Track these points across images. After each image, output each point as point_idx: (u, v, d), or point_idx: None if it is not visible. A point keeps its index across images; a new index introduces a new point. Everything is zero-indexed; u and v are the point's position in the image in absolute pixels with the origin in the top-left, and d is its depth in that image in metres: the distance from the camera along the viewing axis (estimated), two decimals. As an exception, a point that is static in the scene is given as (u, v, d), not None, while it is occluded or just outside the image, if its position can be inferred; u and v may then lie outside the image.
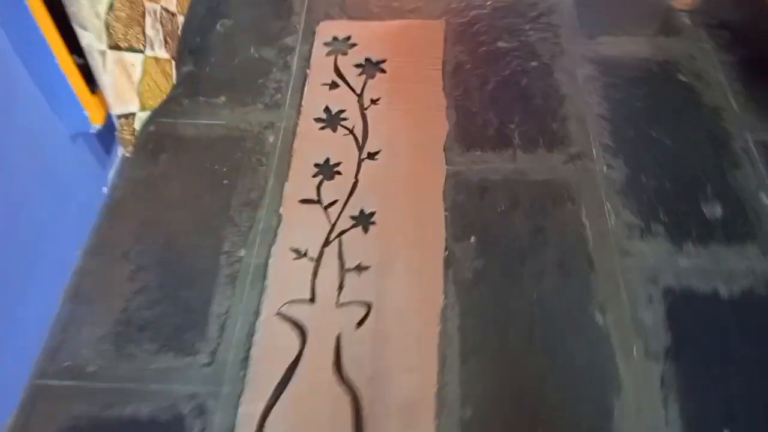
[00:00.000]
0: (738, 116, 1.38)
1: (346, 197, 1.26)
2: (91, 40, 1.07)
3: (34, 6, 0.98)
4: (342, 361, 1.04)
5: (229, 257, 1.18)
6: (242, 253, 1.19)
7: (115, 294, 1.14)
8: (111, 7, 1.13)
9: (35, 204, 1.06)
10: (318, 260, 1.16)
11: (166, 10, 1.41)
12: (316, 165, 1.32)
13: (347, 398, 1.00)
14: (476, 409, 1.00)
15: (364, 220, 1.22)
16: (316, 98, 1.46)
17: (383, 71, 1.50)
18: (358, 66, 1.52)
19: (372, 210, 1.23)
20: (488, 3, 1.66)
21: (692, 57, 1.50)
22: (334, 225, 1.21)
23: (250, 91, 1.49)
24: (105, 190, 1.28)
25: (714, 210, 1.21)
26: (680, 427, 0.97)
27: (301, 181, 1.29)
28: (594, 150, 1.32)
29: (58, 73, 1.06)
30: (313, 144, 1.36)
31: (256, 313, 1.10)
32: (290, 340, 1.06)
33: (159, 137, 1.39)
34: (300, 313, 1.10)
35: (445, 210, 1.23)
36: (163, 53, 1.35)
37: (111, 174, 1.31)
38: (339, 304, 1.10)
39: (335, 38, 1.59)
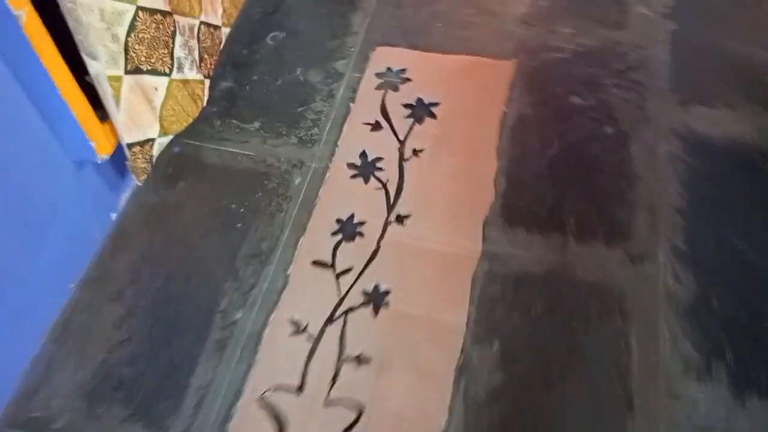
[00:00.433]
0: None
1: (362, 266, 1.12)
2: (100, 68, 0.97)
3: (34, 34, 0.88)
4: (319, 471, 0.92)
5: (224, 318, 1.08)
6: (239, 315, 1.08)
7: (99, 340, 1.06)
8: (132, 29, 1.03)
9: (31, 235, 0.99)
10: (317, 340, 1.04)
11: (208, 25, 1.29)
12: (338, 221, 1.18)
13: None
14: None
15: (376, 299, 1.08)
16: (355, 139, 1.31)
17: (433, 116, 1.34)
18: (407, 106, 1.36)
19: (387, 288, 1.09)
20: (570, 46, 1.45)
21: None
22: (343, 299, 1.08)
23: (287, 120, 1.36)
24: (114, 216, 1.20)
25: (797, 357, 1.00)
26: None
27: (318, 238, 1.17)
28: (661, 253, 1.11)
29: (60, 103, 0.97)
30: (340, 195, 1.22)
31: (238, 393, 0.99)
32: (267, 434, 0.95)
33: (181, 161, 1.30)
34: (284, 402, 0.98)
35: (471, 302, 1.07)
36: (194, 74, 1.24)
37: (123, 198, 1.23)
38: (328, 401, 0.97)
39: (389, 69, 1.43)
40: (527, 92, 1.38)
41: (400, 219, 1.18)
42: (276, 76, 1.45)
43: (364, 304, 1.07)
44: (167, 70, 1.15)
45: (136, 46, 1.05)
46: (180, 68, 1.18)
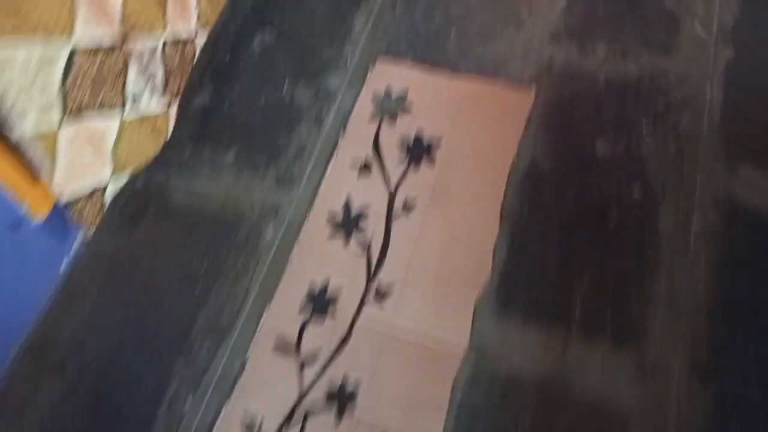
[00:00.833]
0: None
1: (330, 355, 0.99)
2: (27, 128, 0.82)
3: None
4: None
5: (170, 409, 0.97)
6: (187, 406, 0.97)
7: (36, 420, 0.97)
8: (68, 74, 0.86)
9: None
10: (271, 444, 0.93)
11: (175, 42, 1.10)
12: (309, 293, 1.04)
13: None
14: None
15: (341, 401, 0.95)
16: (340, 183, 1.14)
17: (432, 161, 1.15)
18: (404, 145, 1.17)
19: (354, 387, 0.96)
20: (604, 72, 1.22)
21: None
22: (304, 395, 0.96)
23: (267, 151, 1.19)
24: (63, 268, 1.08)
25: None
26: None
27: (284, 314, 1.03)
28: (679, 362, 0.95)
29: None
30: (314, 259, 1.08)
31: (180, 503, 0.90)
32: None
33: (144, 199, 1.15)
34: None
35: (449, 411, 0.94)
36: (154, 106, 1.07)
37: (75, 246, 1.10)
38: None
39: (388, 91, 1.23)
40: (545, 131, 1.17)
41: (379, 296, 1.03)
42: (260, 91, 1.26)
43: (326, 407, 0.95)
44: (118, 110, 0.98)
45: (75, 91, 0.88)
46: (135, 103, 1.02)
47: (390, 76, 1.25)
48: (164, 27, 1.03)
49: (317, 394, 0.96)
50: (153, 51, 1.01)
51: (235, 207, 1.14)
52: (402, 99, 1.22)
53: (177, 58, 1.10)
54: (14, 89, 0.79)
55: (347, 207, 1.12)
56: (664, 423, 0.91)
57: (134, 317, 1.05)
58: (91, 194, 0.98)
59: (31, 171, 0.90)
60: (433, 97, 1.22)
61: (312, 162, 1.18)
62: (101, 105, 0.92)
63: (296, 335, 1.01)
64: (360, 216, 1.11)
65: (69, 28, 0.81)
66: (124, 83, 0.96)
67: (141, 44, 0.97)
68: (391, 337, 0.99)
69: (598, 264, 1.03)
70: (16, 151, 0.86)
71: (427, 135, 1.18)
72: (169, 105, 1.10)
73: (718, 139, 1.12)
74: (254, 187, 1.16)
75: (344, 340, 1.00)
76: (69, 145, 0.89)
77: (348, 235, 1.09)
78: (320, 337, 1.00)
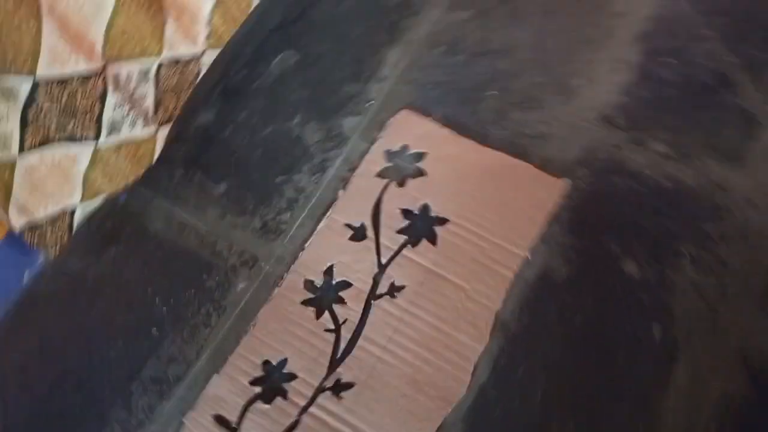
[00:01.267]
0: None
1: (270, 443, 0.90)
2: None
3: None
4: None
5: (96, 462, 0.91)
6: (112, 464, 0.90)
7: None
8: (30, 106, 0.77)
9: None
10: None
11: (175, 62, 1.01)
12: (265, 364, 0.95)
13: None
14: None
15: (267, 502, 0.86)
16: (328, 245, 1.04)
17: (434, 242, 1.03)
18: (406, 215, 1.05)
19: (287, 489, 0.87)
20: (655, 176, 1.06)
21: None
22: (231, 484, 0.88)
23: (260, 191, 1.10)
24: (21, 286, 1.02)
25: None
26: None
27: (233, 382, 0.94)
28: None
29: None
30: (280, 326, 0.98)
31: None
32: None
33: (121, 219, 1.08)
34: None
35: None
36: (139, 131, 0.98)
37: (37, 265, 1.04)
38: None
39: (403, 150, 1.10)
40: (569, 234, 1.02)
41: (337, 387, 0.93)
42: (268, 119, 1.16)
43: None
44: (91, 137, 0.90)
45: (41, 119, 0.80)
46: (113, 131, 0.93)
47: (410, 131, 1.12)
48: (160, 51, 0.93)
49: (244, 488, 0.87)
50: (144, 74, 0.92)
51: (214, 247, 1.05)
52: (418, 161, 1.09)
53: (175, 79, 1.00)
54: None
55: (330, 273, 1.01)
56: None
57: (82, 351, 0.98)
58: (54, 220, 0.90)
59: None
60: (452, 167, 1.08)
61: (305, 213, 1.07)
62: (70, 137, 0.83)
63: (240, 412, 0.92)
64: (341, 286, 1.00)
65: (31, 63, 0.72)
66: (100, 112, 0.87)
67: (126, 69, 0.87)
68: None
69: (590, 410, 0.90)
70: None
71: (435, 208, 1.05)
72: (158, 129, 1.01)
73: (765, 288, 0.95)
74: (238, 229, 1.06)
75: (291, 429, 0.91)
76: (28, 175, 0.82)
77: (322, 308, 0.99)
78: (264, 421, 0.91)
